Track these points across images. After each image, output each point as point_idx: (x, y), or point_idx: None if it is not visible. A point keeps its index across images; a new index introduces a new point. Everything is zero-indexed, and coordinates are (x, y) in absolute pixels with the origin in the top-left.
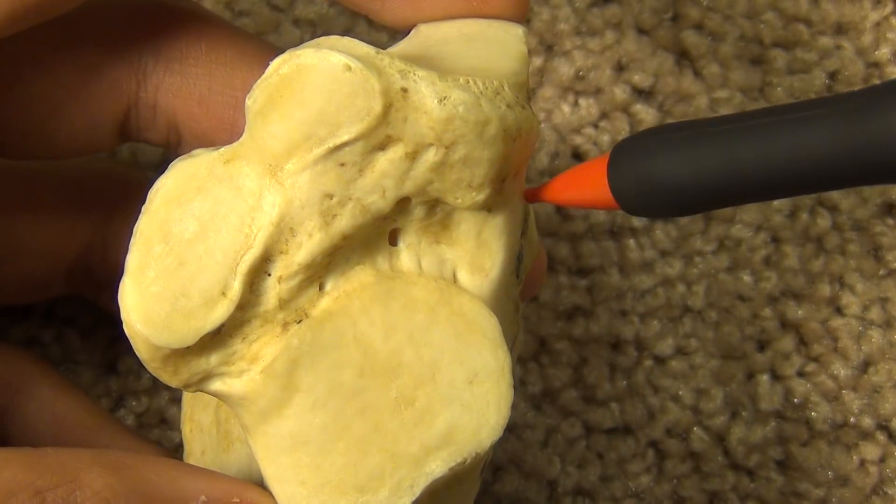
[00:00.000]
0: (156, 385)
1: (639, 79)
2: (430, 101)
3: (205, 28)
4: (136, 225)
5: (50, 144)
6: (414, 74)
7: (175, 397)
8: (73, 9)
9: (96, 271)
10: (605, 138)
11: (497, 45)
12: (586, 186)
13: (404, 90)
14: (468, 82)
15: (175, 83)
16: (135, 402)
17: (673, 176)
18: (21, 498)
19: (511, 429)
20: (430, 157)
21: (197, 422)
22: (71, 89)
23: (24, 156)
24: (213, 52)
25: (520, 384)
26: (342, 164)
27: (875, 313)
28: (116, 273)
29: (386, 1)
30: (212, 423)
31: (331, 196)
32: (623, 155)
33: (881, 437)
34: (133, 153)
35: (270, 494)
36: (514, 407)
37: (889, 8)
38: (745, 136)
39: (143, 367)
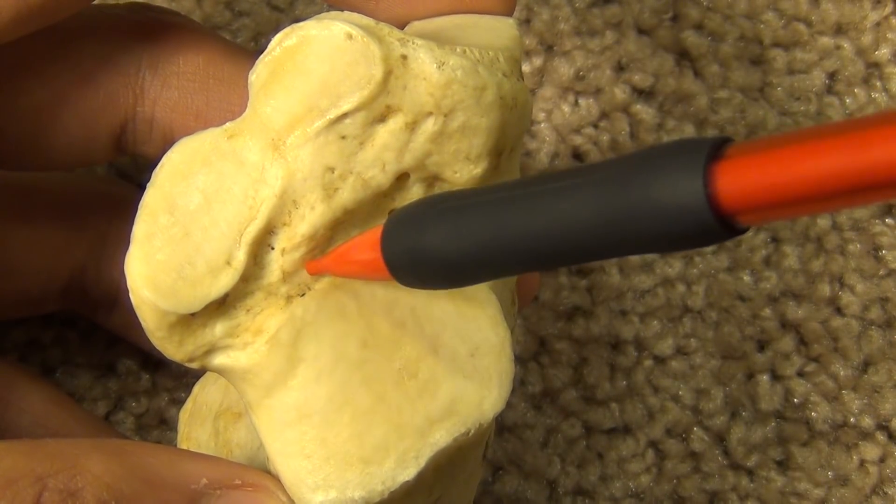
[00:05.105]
0: (155, 386)
1: (639, 79)
2: (428, 66)
3: (203, 44)
4: (142, 198)
5: (45, 155)
6: (413, 43)
7: (175, 398)
8: (75, 11)
9: (91, 290)
10: (605, 138)
11: (489, 30)
12: (364, 258)
13: (404, 57)
14: (465, 51)
15: (172, 98)
16: (134, 403)
17: (440, 248)
18: (22, 485)
19: (511, 429)
20: (430, 126)
21: (195, 439)
22: (67, 100)
23: (18, 166)
24: (211, 67)
25: (520, 384)
26: (343, 137)
27: (875, 313)
28: (111, 293)
29: (380, 1)
30: (210, 436)
31: (332, 169)
32: (394, 226)
33: (881, 437)
34: (133, 158)
35: (273, 477)
36: (514, 407)
37: (889, 8)
38: (508, 207)
39: (143, 368)
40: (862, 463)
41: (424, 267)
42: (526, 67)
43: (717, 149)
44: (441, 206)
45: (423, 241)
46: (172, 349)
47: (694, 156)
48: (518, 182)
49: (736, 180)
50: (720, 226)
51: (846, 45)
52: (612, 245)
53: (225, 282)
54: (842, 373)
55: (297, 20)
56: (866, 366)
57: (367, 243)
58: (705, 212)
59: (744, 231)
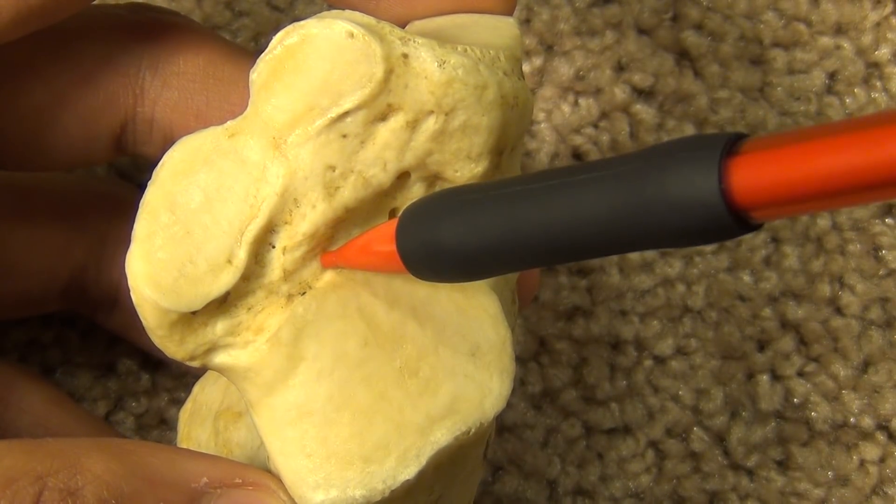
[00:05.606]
0: (155, 386)
1: (639, 79)
2: (430, 65)
3: (203, 44)
4: (143, 196)
5: (45, 155)
6: (414, 41)
7: (175, 398)
8: (75, 12)
9: (91, 290)
10: (605, 138)
11: (490, 29)
12: (379, 250)
13: (405, 56)
14: (466, 50)
15: (173, 98)
16: (134, 403)
17: (456, 241)
18: (22, 484)
19: (511, 429)
20: (430, 125)
21: (195, 439)
22: (68, 100)
23: (19, 166)
24: (212, 67)
25: (520, 384)
26: (344, 136)
27: (875, 313)
28: (111, 293)
29: (381, 0)
30: (210, 436)
31: (333, 168)
32: (409, 219)
33: (881, 437)
34: (133, 159)
35: (274, 476)
36: (514, 407)
37: (889, 8)
38: (523, 201)
39: (143, 368)
40: (862, 463)
41: (439, 259)
42: (526, 67)
43: (732, 144)
44: (456, 199)
45: (439, 234)
46: (173, 348)
47: (709, 151)
48: (533, 176)
49: (751, 176)
50: (734, 221)
51: (846, 45)
52: (627, 239)
53: (226, 280)
54: (842, 373)
55: (297, 20)
56: (866, 366)
57: (386, 235)
58: (720, 207)
59: (758, 227)
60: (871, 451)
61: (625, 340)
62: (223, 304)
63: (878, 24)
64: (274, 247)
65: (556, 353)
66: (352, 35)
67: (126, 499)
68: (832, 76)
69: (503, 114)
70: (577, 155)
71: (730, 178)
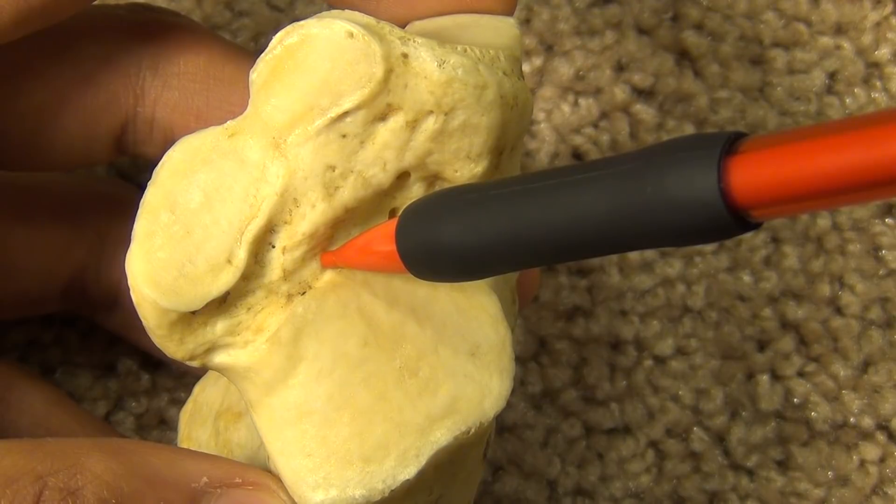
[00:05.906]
0: (155, 386)
1: (639, 79)
2: (429, 64)
3: (203, 44)
4: (143, 196)
5: (45, 155)
6: (414, 41)
7: (175, 398)
8: (74, 12)
9: (91, 291)
10: (605, 138)
11: (490, 29)
12: (379, 250)
13: (405, 55)
14: (465, 50)
15: (173, 98)
16: (134, 403)
17: (456, 240)
18: (22, 483)
19: (511, 429)
20: (430, 125)
21: (195, 440)
22: (68, 101)
23: (19, 166)
24: (212, 67)
25: (520, 384)
26: (344, 136)
27: (875, 313)
28: (111, 293)
29: (381, 0)
30: (210, 436)
31: (333, 168)
32: (409, 219)
33: (881, 437)
34: (133, 159)
35: (274, 476)
36: (514, 407)
37: (889, 8)
38: (525, 199)
39: (143, 368)
40: (862, 463)
41: (439, 259)
42: (526, 67)
43: (731, 143)
44: (456, 198)
45: (439, 234)
46: (173, 347)
47: (708, 150)
48: (532, 175)
49: (750, 175)
50: (734, 220)
51: (846, 45)
52: (627, 238)
53: (226, 280)
54: (842, 373)
55: (297, 20)
56: (866, 366)
57: (386, 235)
58: (719, 206)
59: (757, 226)
60: (871, 451)
61: (625, 340)
62: (223, 303)
63: (878, 24)
64: (274, 247)
65: (556, 353)
66: (352, 35)
67: (126, 498)
68: (832, 76)
69: (503, 114)
70: (577, 155)
71: (729, 177)
